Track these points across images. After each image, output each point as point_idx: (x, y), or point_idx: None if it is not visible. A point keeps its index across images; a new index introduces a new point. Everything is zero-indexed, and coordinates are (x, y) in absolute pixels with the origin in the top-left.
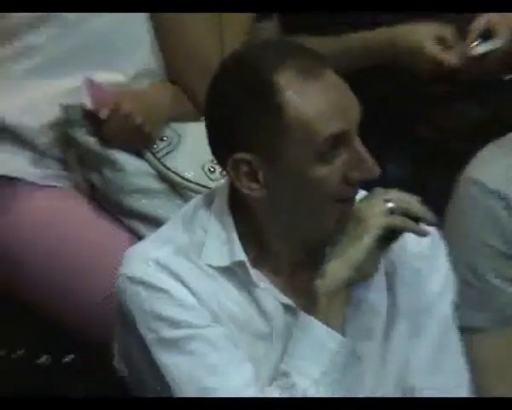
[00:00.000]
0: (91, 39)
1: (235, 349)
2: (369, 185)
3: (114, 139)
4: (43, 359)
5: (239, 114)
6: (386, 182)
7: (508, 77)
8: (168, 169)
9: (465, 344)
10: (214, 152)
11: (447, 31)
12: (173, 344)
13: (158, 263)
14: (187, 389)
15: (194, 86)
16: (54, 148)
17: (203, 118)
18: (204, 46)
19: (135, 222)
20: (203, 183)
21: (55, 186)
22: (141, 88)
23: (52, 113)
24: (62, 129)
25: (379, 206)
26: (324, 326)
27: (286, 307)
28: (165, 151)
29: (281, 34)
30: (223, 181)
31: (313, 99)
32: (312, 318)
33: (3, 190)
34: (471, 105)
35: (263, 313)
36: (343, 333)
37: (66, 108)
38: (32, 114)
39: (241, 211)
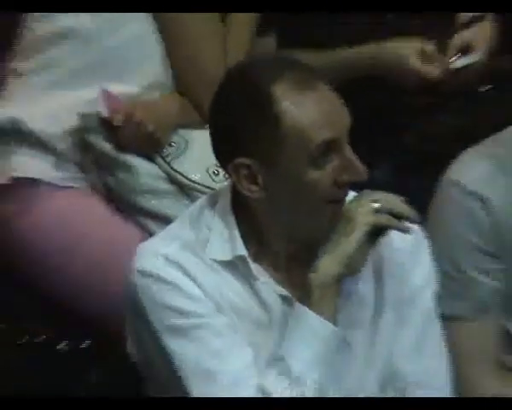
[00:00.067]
0: (107, 55)
1: (237, 336)
2: (358, 188)
3: (128, 145)
4: (63, 344)
5: (240, 122)
6: (373, 184)
7: (484, 88)
8: (176, 172)
9: (446, 331)
10: (217, 157)
11: (429, 46)
12: (181, 332)
13: (167, 258)
14: (193, 372)
15: (199, 98)
16: (73, 152)
17: (207, 126)
18: (208, 61)
19: (146, 220)
20: (208, 184)
21: (73, 187)
22: (152, 98)
23: (71, 121)
24: (80, 135)
25: (367, 206)
26: (317, 316)
27: (283, 299)
28: (173, 155)
29: (277, 49)
30: (226, 183)
31: (307, 109)
32: (307, 308)
33: (28, 190)
34: (451, 114)
35: (262, 303)
36: (334, 322)
37: (84, 117)
38: (54, 121)
39: (242, 211)
